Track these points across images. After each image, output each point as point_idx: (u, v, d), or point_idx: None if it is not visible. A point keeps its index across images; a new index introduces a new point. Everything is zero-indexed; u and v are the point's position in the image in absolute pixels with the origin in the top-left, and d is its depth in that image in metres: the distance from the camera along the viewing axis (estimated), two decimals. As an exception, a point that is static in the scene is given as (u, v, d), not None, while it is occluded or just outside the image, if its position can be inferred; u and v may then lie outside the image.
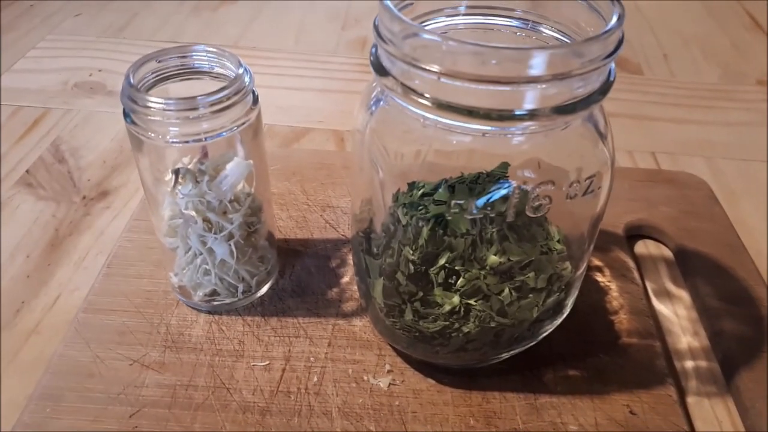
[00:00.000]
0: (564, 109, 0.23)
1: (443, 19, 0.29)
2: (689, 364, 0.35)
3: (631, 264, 0.38)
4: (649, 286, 0.39)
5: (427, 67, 0.22)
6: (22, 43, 0.62)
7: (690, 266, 0.39)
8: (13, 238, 0.41)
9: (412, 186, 0.29)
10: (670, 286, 0.39)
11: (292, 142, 0.51)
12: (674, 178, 0.46)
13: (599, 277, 0.37)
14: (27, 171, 0.46)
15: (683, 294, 0.38)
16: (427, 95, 0.23)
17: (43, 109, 0.53)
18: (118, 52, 0.62)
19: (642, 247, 0.42)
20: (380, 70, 0.24)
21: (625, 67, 0.63)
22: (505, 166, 0.27)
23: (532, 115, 0.23)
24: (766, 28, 0.70)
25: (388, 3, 0.23)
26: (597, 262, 0.38)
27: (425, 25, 0.29)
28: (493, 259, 0.28)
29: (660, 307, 0.38)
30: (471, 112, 0.22)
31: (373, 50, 0.25)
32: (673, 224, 0.41)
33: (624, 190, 0.44)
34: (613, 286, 0.37)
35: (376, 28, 0.24)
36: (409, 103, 0.23)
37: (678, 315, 0.37)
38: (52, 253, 0.40)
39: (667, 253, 0.41)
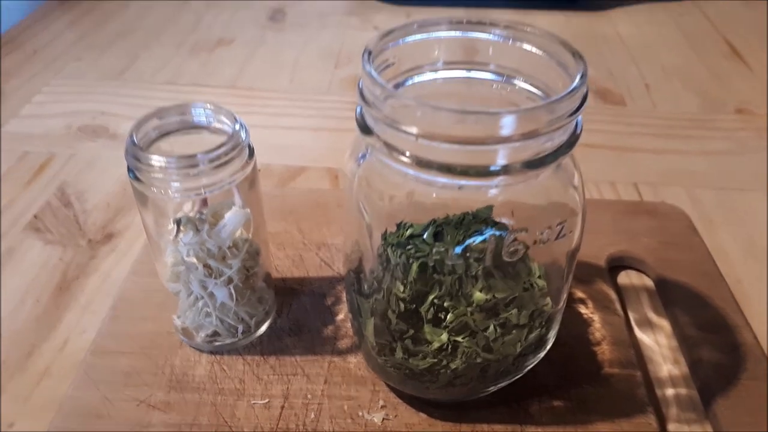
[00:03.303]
0: (534, 164, 0.25)
1: (427, 73, 0.31)
2: (670, 391, 0.36)
3: (613, 296, 0.40)
4: (631, 315, 0.41)
5: (406, 129, 0.24)
6: (26, 88, 0.65)
7: (670, 296, 0.41)
8: (23, 283, 0.43)
9: (399, 226, 0.31)
10: (652, 316, 0.41)
11: (288, 181, 0.53)
12: (655, 209, 0.48)
13: (583, 309, 0.39)
14: (35, 216, 0.48)
15: (664, 323, 0.40)
16: (407, 153, 0.25)
17: (48, 153, 0.55)
18: (120, 95, 0.64)
19: (625, 277, 0.43)
20: (365, 129, 0.26)
21: (609, 98, 0.65)
22: (489, 207, 0.29)
23: (505, 170, 0.25)
24: (744, 56, 0.73)
25: (370, 68, 0.25)
26: (580, 294, 0.40)
27: (410, 80, 0.31)
28: (479, 296, 0.30)
29: (642, 336, 0.39)
30: (449, 169, 0.25)
31: (358, 110, 0.27)
32: (654, 255, 0.43)
33: (606, 223, 0.46)
34: (595, 317, 0.39)
35: (359, 90, 0.26)
36: (391, 160, 0.25)
37: (659, 344, 0.39)
38: (60, 296, 0.42)
39: (649, 282, 0.43)
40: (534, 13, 0.83)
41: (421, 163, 0.25)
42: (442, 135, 0.24)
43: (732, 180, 0.54)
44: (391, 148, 0.25)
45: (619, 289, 0.42)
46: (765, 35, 0.78)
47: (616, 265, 0.44)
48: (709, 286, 0.41)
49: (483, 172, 0.25)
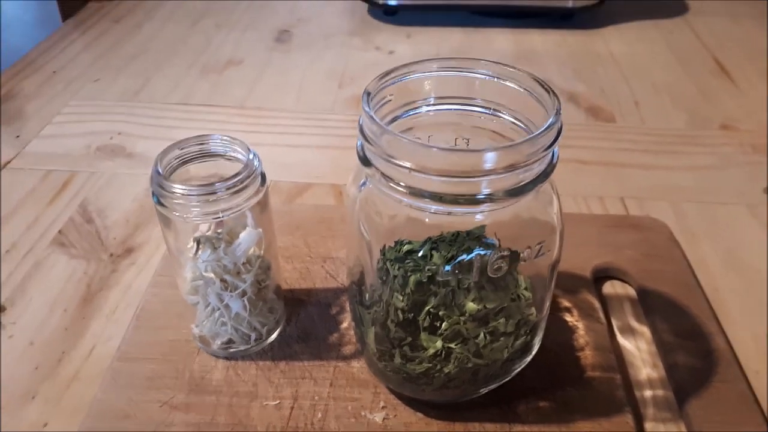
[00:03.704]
0: (515, 192, 0.28)
1: (423, 107, 0.35)
2: (648, 393, 0.39)
3: (597, 305, 0.43)
4: (614, 322, 0.44)
5: (401, 163, 0.27)
6: (47, 109, 0.69)
7: (650, 304, 0.44)
8: (51, 294, 0.46)
9: (397, 243, 0.34)
10: (633, 323, 0.44)
11: (295, 197, 0.56)
12: (639, 223, 0.51)
13: (568, 317, 0.42)
14: (59, 231, 0.52)
15: (645, 330, 0.43)
16: (402, 183, 0.28)
17: (69, 172, 0.59)
18: (135, 115, 0.68)
19: (609, 287, 0.47)
20: (364, 162, 0.30)
21: (600, 115, 0.68)
22: (482, 227, 0.32)
23: (489, 197, 0.28)
24: (731, 73, 0.76)
25: (368, 109, 0.29)
26: (566, 303, 0.43)
27: (407, 114, 0.34)
28: (471, 306, 0.33)
29: (624, 341, 0.43)
30: (440, 198, 0.28)
31: (359, 144, 0.30)
32: (636, 266, 0.46)
33: (593, 236, 0.49)
34: (580, 325, 0.42)
35: (360, 127, 0.30)
36: (388, 189, 0.29)
37: (639, 349, 0.42)
38: (85, 307, 0.45)
39: (632, 292, 0.46)
40: (531, 32, 0.87)
41: (415, 193, 0.28)
42: (432, 168, 0.27)
43: (714, 194, 0.57)
44: (388, 179, 0.28)
45: (603, 299, 0.45)
46: (752, 52, 0.81)
47: (601, 275, 0.47)
48: (687, 295, 0.44)
49: (470, 200, 0.28)
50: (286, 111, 0.69)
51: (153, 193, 0.34)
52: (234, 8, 0.93)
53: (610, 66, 0.78)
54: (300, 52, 0.81)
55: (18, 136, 0.64)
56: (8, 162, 0.60)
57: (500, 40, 0.85)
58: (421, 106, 0.34)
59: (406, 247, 0.34)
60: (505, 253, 0.30)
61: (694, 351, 0.40)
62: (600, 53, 0.81)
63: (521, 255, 0.31)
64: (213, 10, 0.93)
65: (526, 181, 0.28)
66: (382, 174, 0.29)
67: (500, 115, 0.33)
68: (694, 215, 0.54)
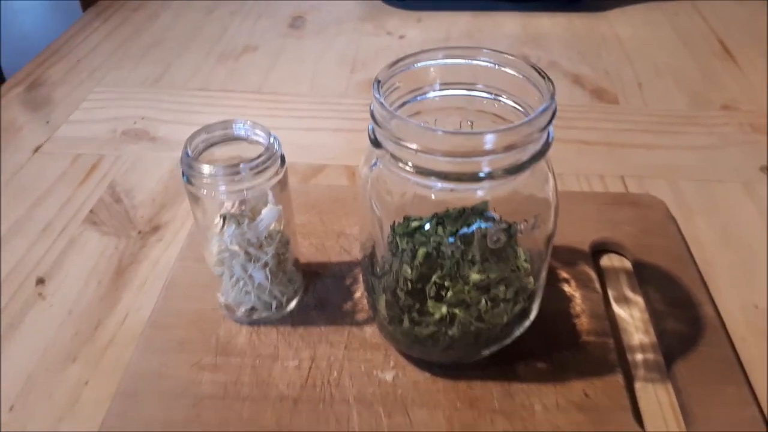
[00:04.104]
0: (513, 170, 0.31)
1: (430, 93, 0.37)
2: (639, 356, 0.42)
3: (594, 276, 0.46)
4: (610, 293, 0.47)
5: (408, 145, 0.30)
6: (74, 95, 0.72)
7: (645, 276, 0.47)
8: (86, 268, 0.50)
9: (406, 219, 0.37)
10: (628, 293, 0.47)
11: (310, 178, 0.59)
12: (637, 200, 0.54)
13: (565, 288, 0.45)
14: (91, 211, 0.55)
15: (639, 299, 0.46)
16: (409, 163, 0.31)
17: (97, 155, 0.62)
18: (157, 101, 0.71)
19: (606, 260, 0.49)
20: (375, 143, 0.33)
21: (604, 97, 0.71)
22: (485, 203, 0.35)
23: (489, 175, 0.31)
24: (735, 55, 0.78)
25: (378, 96, 0.32)
26: (565, 275, 0.46)
27: (416, 99, 0.37)
28: (475, 276, 0.36)
29: (618, 310, 0.46)
30: (444, 176, 0.31)
31: (370, 127, 0.33)
32: (633, 241, 0.49)
33: (592, 212, 0.52)
34: (577, 294, 0.45)
35: (371, 112, 0.32)
36: (396, 169, 0.32)
37: (633, 317, 0.45)
38: (117, 279, 0.49)
39: (628, 265, 0.49)
40: (538, 15, 0.89)
41: (421, 172, 0.31)
42: (437, 149, 0.30)
43: (712, 172, 0.59)
44: (397, 159, 0.31)
45: (600, 271, 0.48)
46: (757, 35, 0.83)
47: (599, 249, 0.50)
48: (680, 268, 0.47)
49: (472, 178, 0.31)
50: (301, 95, 0.72)
51: (183, 173, 0.37)
52: (249, -5, 0.96)
53: (615, 49, 0.80)
54: (313, 38, 0.84)
55: (48, 122, 0.67)
56: (40, 146, 0.64)
57: (508, 24, 0.87)
58: (427, 92, 0.37)
59: (414, 223, 0.37)
60: (504, 225, 0.33)
61: (684, 318, 0.43)
62: (606, 36, 0.83)
63: (519, 227, 0.34)
64: (228, -3, 0.96)
65: (523, 159, 0.31)
66: (392, 155, 0.32)
67: (501, 99, 0.36)
68: (691, 193, 0.57)
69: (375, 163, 0.35)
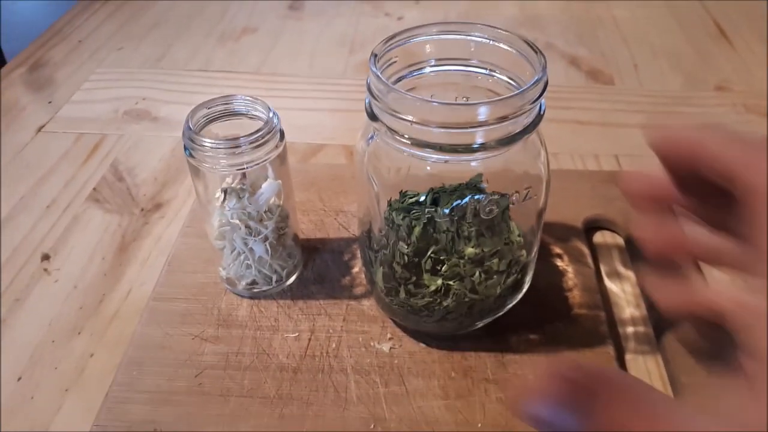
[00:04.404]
0: (506, 141, 0.32)
1: (426, 68, 0.38)
2: (630, 329, 0.43)
3: (586, 251, 0.47)
4: (603, 268, 0.48)
5: (404, 117, 0.31)
6: (76, 76, 0.73)
7: (636, 252, 0.48)
8: (90, 244, 0.51)
9: (402, 195, 0.38)
10: (620, 268, 0.48)
11: (309, 157, 0.60)
12: (630, 178, 0.54)
13: (558, 262, 0.46)
14: (94, 189, 0.56)
15: (630, 274, 0.47)
16: (406, 135, 0.32)
17: (100, 135, 0.63)
18: (158, 81, 0.72)
19: (599, 236, 0.50)
20: (372, 117, 0.33)
21: (599, 78, 0.71)
22: (479, 176, 0.36)
23: (482, 146, 0.32)
24: (730, 36, 0.79)
25: (375, 69, 0.33)
26: (558, 250, 0.47)
27: (412, 74, 0.38)
28: (470, 250, 0.37)
29: (611, 285, 0.47)
30: (439, 147, 0.32)
31: (367, 101, 0.34)
32: (625, 217, 0.50)
33: (586, 190, 0.53)
34: (569, 269, 0.46)
35: (368, 85, 0.33)
36: (393, 141, 0.33)
37: (625, 291, 0.46)
38: (121, 255, 0.50)
39: (620, 241, 0.50)
40: (536, -3, 0.89)
41: (417, 144, 0.32)
42: (432, 121, 0.31)
43: (704, 152, 0.60)
44: (393, 132, 0.32)
45: (593, 247, 0.49)
46: (753, 16, 0.83)
47: (592, 226, 0.51)
48: (671, 243, 0.48)
49: (466, 149, 0.32)
50: (300, 76, 0.72)
51: (185, 147, 0.38)
52: (248, -23, 0.96)
53: (611, 30, 0.81)
54: (312, 20, 0.85)
55: (50, 102, 0.68)
56: (43, 126, 0.65)
57: (506, 6, 0.88)
58: (424, 67, 0.37)
59: (410, 199, 0.38)
60: (496, 197, 0.34)
61: (674, 292, 0.44)
62: (603, 18, 0.84)
63: (511, 199, 0.34)
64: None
65: (516, 131, 0.32)
66: (388, 127, 0.32)
67: (495, 74, 0.37)
68: (683, 171, 0.57)
69: (372, 137, 0.36)
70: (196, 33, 0.81)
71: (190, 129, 0.37)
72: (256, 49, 0.78)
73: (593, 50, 0.77)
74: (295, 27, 0.83)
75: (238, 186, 0.40)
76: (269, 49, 0.78)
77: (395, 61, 0.36)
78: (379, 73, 0.32)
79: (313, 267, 0.46)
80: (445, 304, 0.38)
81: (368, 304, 0.43)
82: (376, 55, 0.34)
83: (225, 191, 0.39)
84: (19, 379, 0.41)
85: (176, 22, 0.84)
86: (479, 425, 0.36)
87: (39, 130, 0.64)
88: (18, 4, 1.04)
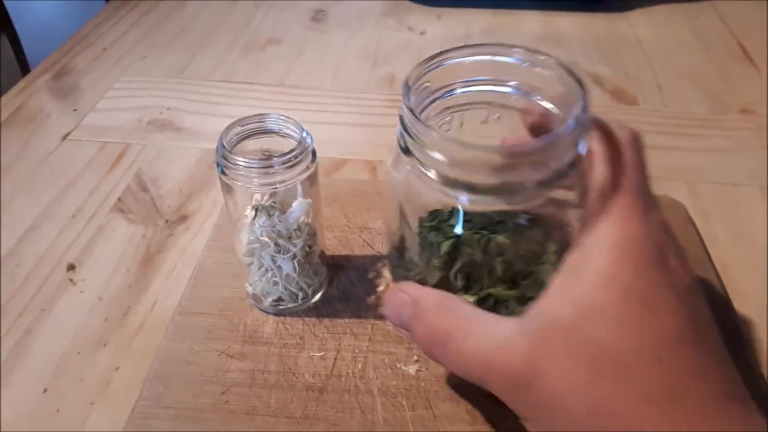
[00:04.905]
0: (545, 183, 0.31)
1: (458, 90, 0.38)
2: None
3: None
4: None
5: (437, 157, 0.31)
6: (100, 84, 0.73)
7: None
8: (114, 256, 0.51)
9: (433, 214, 0.38)
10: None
11: (332, 172, 0.60)
12: (658, 203, 0.54)
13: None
14: (119, 199, 0.57)
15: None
16: (437, 173, 0.32)
17: (124, 144, 0.64)
18: (182, 91, 0.72)
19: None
20: (406, 151, 0.33)
21: (623, 98, 0.71)
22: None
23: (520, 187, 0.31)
24: (754, 58, 0.78)
25: (408, 103, 0.32)
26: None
27: (444, 96, 0.38)
28: (499, 269, 0.37)
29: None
30: (472, 188, 0.31)
31: (399, 134, 0.34)
32: (651, 242, 0.50)
33: (611, 213, 0.52)
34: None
35: (400, 118, 0.33)
36: (424, 177, 0.32)
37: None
38: (146, 267, 0.50)
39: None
40: (559, 15, 0.89)
41: (448, 182, 0.31)
42: (467, 163, 0.30)
43: (729, 175, 0.60)
44: (425, 167, 0.32)
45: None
46: (776, 37, 0.83)
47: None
48: (699, 268, 0.48)
49: (500, 190, 0.31)
50: (323, 89, 0.72)
51: (217, 164, 0.38)
52: (271, -13, 0.97)
53: (635, 50, 0.81)
54: (335, 32, 0.85)
55: (75, 110, 0.69)
56: (68, 133, 0.65)
57: (529, 23, 0.88)
58: (455, 88, 0.37)
59: (440, 217, 0.38)
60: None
61: (701, 319, 0.44)
62: (626, 37, 0.84)
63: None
64: (251, -11, 0.96)
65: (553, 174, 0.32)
66: (420, 162, 0.32)
67: (532, 97, 0.37)
68: (708, 195, 0.57)
69: (405, 167, 0.36)
70: (220, 42, 0.82)
71: (224, 147, 0.37)
72: (280, 60, 0.78)
73: (616, 69, 0.76)
74: (319, 39, 0.83)
75: (269, 204, 0.40)
76: (293, 60, 0.78)
77: (427, 86, 0.36)
78: (412, 110, 0.32)
79: (338, 284, 0.46)
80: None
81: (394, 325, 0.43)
82: (408, 86, 0.33)
83: (256, 209, 0.39)
84: (45, 390, 0.41)
85: (200, 31, 0.85)
86: (506, 452, 0.36)
87: (64, 138, 0.64)
88: (39, 9, 1.05)
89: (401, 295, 0.33)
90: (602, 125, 0.33)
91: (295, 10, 0.90)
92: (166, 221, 0.54)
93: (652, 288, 0.28)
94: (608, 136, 0.32)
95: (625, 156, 0.32)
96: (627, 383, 0.27)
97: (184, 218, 0.55)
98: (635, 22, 0.87)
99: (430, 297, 0.32)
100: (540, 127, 0.36)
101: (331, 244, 0.50)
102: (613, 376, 0.27)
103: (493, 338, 0.29)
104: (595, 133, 0.32)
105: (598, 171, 0.31)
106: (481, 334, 0.30)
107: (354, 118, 0.68)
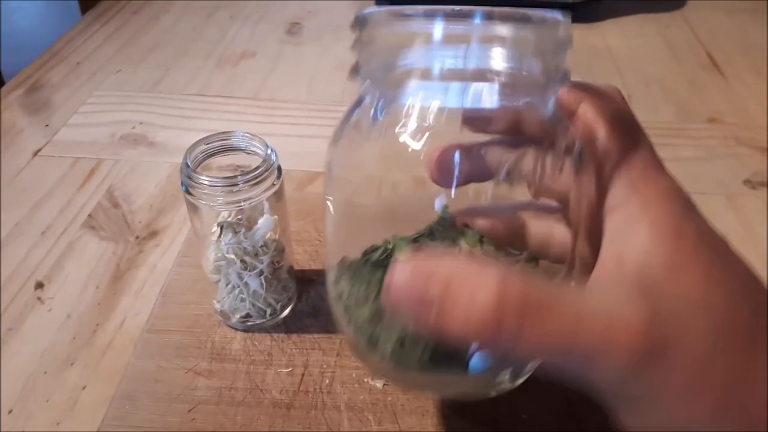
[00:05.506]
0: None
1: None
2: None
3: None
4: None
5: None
6: (73, 99, 0.73)
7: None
8: (84, 273, 0.51)
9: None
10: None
11: (305, 186, 0.60)
12: (623, 212, 0.55)
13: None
14: (89, 215, 0.56)
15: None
16: None
17: (96, 159, 0.63)
18: (156, 105, 0.72)
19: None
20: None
21: (594, 108, 0.72)
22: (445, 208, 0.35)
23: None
24: (722, 67, 0.80)
25: None
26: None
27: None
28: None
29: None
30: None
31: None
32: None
33: (580, 224, 0.53)
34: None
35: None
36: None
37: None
38: (115, 284, 0.50)
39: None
40: (531, 25, 0.90)
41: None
42: None
43: (697, 184, 0.60)
44: None
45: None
46: (744, 47, 0.84)
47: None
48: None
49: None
50: (298, 102, 0.73)
51: (182, 183, 0.38)
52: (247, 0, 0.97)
53: (605, 60, 0.82)
54: (310, 45, 0.85)
55: (47, 125, 0.68)
56: (39, 149, 0.65)
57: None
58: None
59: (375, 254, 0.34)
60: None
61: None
62: (597, 47, 0.85)
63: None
64: (227, 1, 0.96)
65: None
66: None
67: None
68: (676, 205, 0.58)
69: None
70: (194, 56, 0.82)
71: (188, 167, 0.37)
72: (255, 73, 0.78)
73: (586, 79, 0.77)
74: (294, 52, 0.84)
75: (235, 221, 0.40)
76: (267, 74, 0.78)
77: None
78: None
79: (307, 299, 0.46)
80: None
81: (362, 339, 0.43)
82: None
83: (221, 226, 0.40)
84: (10, 411, 0.41)
85: (175, 44, 0.85)
86: (472, 465, 0.36)
87: (35, 153, 0.64)
88: (15, 22, 1.04)
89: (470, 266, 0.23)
90: (587, 86, 0.30)
91: (270, 24, 0.90)
92: (137, 237, 0.54)
93: (716, 236, 0.26)
94: (597, 93, 0.30)
95: (624, 109, 0.30)
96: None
97: (154, 234, 0.55)
98: (607, 32, 0.88)
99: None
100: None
101: (302, 258, 0.50)
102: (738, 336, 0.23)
103: (595, 302, 0.23)
104: (584, 95, 0.30)
105: (602, 134, 0.28)
106: (579, 300, 0.23)
107: (328, 131, 0.66)
